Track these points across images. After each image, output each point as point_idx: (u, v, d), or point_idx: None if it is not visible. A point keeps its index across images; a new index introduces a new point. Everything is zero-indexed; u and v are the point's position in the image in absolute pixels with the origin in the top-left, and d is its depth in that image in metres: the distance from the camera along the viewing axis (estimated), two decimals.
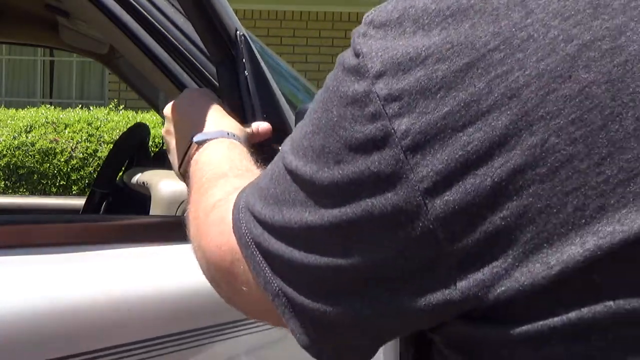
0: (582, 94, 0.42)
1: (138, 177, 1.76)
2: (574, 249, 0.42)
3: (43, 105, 7.89)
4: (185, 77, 1.34)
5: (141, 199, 1.72)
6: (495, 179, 0.43)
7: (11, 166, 6.66)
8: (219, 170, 0.78)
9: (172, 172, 1.67)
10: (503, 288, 0.44)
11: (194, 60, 1.29)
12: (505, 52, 0.43)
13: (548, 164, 0.42)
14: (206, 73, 1.28)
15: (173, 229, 1.16)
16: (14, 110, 7.27)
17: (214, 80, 1.25)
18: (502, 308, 0.45)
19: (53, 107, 7.67)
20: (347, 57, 0.50)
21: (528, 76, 0.43)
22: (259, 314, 0.64)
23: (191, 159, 0.86)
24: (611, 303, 0.42)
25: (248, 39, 1.07)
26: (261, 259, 0.56)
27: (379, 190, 0.46)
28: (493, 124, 0.43)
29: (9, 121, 6.88)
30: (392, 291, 0.48)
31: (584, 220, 0.42)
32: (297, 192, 0.53)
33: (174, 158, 0.96)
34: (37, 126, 6.77)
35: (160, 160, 2.13)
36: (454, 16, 0.45)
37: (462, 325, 0.48)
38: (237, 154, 0.83)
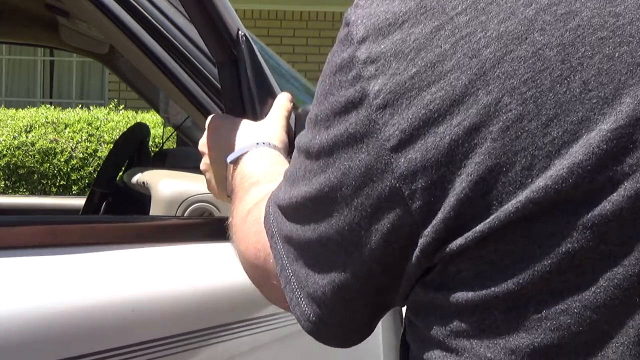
0: (536, 56, 0.43)
1: (138, 177, 1.76)
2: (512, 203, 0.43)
3: (43, 105, 7.88)
4: (185, 76, 1.34)
5: (141, 199, 1.72)
6: (453, 137, 0.44)
7: (11, 166, 6.66)
8: (252, 179, 0.80)
9: (172, 172, 1.67)
10: (455, 243, 0.45)
11: (194, 61, 1.29)
12: (471, 15, 0.45)
13: (500, 122, 0.43)
14: (206, 73, 1.28)
15: (173, 229, 1.16)
16: (14, 110, 7.26)
17: (214, 81, 1.25)
18: (453, 274, 0.46)
19: (53, 107, 7.67)
20: (340, 30, 0.52)
21: (489, 38, 0.44)
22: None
23: (230, 179, 0.89)
24: (541, 270, 0.43)
25: (249, 39, 1.07)
26: (281, 246, 0.58)
27: (355, 151, 0.48)
28: (454, 83, 0.44)
29: (9, 121, 6.88)
30: (371, 256, 0.50)
31: (530, 180, 0.43)
32: (300, 167, 0.54)
33: (214, 189, 0.98)
34: (37, 126, 6.76)
35: (160, 160, 2.13)
36: None
37: (422, 293, 0.50)
38: (269, 160, 0.85)
